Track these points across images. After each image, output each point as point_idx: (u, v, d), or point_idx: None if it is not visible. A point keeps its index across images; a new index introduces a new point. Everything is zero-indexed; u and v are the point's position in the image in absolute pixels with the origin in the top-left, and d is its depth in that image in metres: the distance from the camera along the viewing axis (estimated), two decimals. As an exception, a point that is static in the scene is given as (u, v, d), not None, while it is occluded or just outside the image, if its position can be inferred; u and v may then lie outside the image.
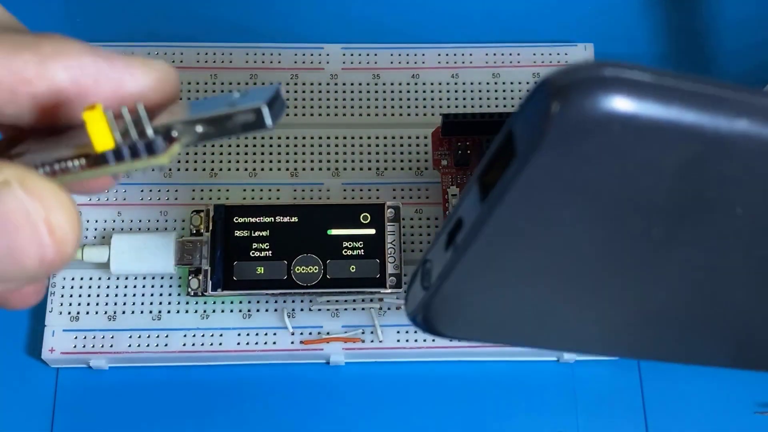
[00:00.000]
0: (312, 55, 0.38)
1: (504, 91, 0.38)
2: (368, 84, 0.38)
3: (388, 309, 0.34)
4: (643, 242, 0.16)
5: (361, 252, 0.34)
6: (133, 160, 0.16)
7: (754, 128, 0.13)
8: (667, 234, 0.15)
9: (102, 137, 0.16)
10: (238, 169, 0.36)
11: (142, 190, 0.36)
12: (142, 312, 0.34)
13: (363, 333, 0.34)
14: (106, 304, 0.34)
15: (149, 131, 0.16)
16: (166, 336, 0.34)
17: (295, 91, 0.38)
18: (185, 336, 0.34)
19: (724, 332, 0.20)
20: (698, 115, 0.13)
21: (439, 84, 0.38)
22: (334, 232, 0.34)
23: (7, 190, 0.16)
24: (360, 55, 0.38)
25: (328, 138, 0.37)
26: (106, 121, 0.16)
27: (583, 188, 0.14)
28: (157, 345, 0.34)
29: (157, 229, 0.35)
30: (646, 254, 0.16)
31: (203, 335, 0.34)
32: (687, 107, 0.13)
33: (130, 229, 0.35)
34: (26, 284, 0.17)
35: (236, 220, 0.34)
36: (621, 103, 0.12)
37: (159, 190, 0.36)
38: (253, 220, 0.34)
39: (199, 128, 0.17)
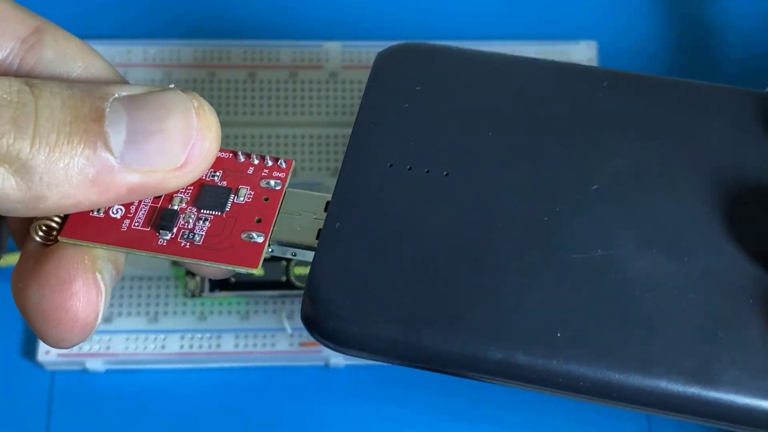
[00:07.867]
0: (311, 53, 0.38)
1: (506, 89, 0.37)
2: (368, 82, 0.37)
3: (389, 310, 0.34)
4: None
5: (361, 253, 0.33)
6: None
7: None
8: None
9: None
10: (236, 169, 0.36)
11: (138, 190, 0.35)
12: (138, 314, 0.34)
13: (363, 335, 0.34)
14: (103, 305, 0.34)
15: None
16: (163, 338, 0.34)
17: (294, 90, 0.37)
18: (182, 338, 0.34)
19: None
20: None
21: (440, 82, 0.37)
22: (333, 232, 0.34)
23: (171, 90, 0.19)
24: (360, 53, 0.38)
25: (327, 137, 0.37)
26: None
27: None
28: (153, 347, 0.33)
29: (154, 229, 0.35)
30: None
31: (201, 337, 0.34)
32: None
33: (127, 229, 0.35)
34: (167, 181, 0.19)
35: (234, 220, 0.34)
36: (411, 54, 0.22)
37: (156, 190, 0.35)
38: (251, 220, 0.34)
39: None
